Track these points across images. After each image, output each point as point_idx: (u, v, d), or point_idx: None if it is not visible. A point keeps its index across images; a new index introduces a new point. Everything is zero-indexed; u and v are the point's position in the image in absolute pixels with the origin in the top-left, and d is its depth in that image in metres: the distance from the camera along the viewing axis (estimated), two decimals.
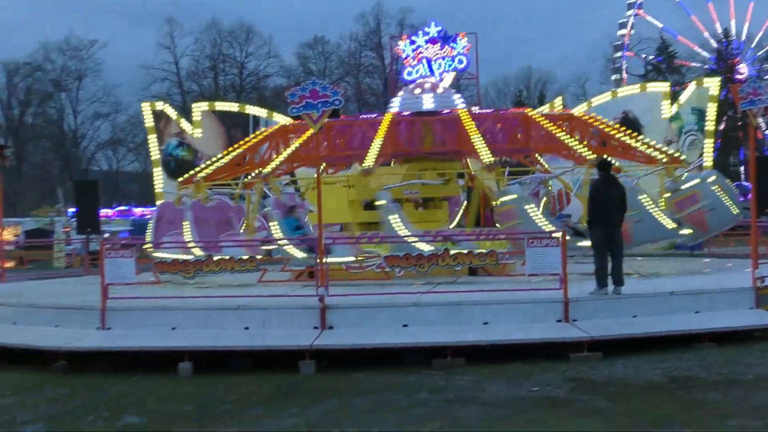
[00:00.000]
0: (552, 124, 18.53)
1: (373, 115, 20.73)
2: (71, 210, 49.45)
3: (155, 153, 30.29)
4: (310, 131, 18.13)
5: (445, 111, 19.30)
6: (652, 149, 18.13)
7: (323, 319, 11.61)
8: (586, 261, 14.56)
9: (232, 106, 32.29)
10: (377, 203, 16.36)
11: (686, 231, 16.43)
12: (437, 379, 10.01)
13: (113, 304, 12.25)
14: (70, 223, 42.58)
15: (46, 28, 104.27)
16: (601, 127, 19.26)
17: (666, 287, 13.42)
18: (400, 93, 20.56)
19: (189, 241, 16.86)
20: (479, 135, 17.58)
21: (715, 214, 16.59)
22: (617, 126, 20.13)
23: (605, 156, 16.03)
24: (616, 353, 10.97)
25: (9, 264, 28.75)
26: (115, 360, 11.64)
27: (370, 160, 16.90)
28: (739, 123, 60.35)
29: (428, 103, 19.43)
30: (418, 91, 19.80)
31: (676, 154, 18.62)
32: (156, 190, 30.22)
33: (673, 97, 32.90)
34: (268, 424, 8.21)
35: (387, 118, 18.59)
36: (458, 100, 20.15)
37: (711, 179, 16.95)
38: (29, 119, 75.56)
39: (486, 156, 16.75)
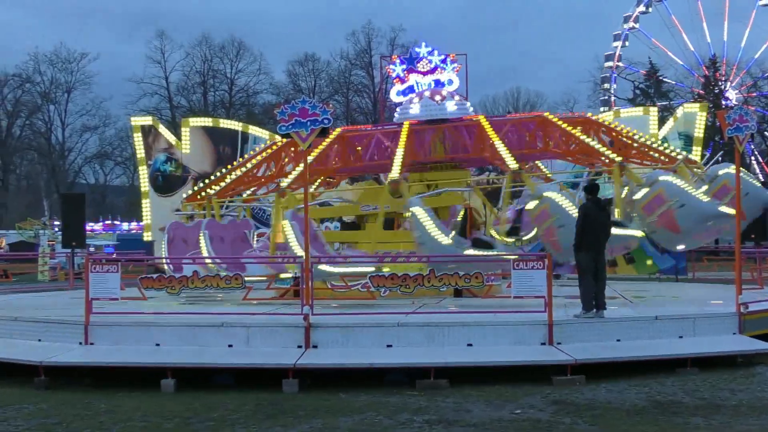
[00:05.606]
0: (571, 127, 18.23)
1: (392, 126, 19.86)
2: (57, 223, 49.34)
3: (144, 185, 30.26)
4: (323, 145, 18.06)
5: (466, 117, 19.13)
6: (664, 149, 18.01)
7: (307, 338, 11.61)
8: (571, 284, 14.57)
9: (218, 122, 32.26)
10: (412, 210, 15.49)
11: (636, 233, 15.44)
12: (420, 400, 9.98)
13: (97, 319, 12.21)
14: (55, 236, 42.41)
15: (37, 40, 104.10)
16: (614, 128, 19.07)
17: (650, 312, 13.46)
18: (416, 99, 19.89)
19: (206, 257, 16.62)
20: (500, 141, 17.44)
21: (684, 211, 15.08)
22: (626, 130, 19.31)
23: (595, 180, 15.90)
24: (600, 377, 10.98)
25: None
26: (98, 376, 11.54)
27: (396, 171, 16.67)
28: (725, 149, 60.67)
29: (451, 108, 19.21)
30: (438, 98, 19.40)
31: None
32: (144, 222, 30.20)
33: (661, 121, 33.19)
34: None
35: (406, 127, 18.30)
36: (470, 107, 20.13)
37: (667, 178, 15.74)
38: (17, 131, 75.39)
39: (511, 162, 16.54)
